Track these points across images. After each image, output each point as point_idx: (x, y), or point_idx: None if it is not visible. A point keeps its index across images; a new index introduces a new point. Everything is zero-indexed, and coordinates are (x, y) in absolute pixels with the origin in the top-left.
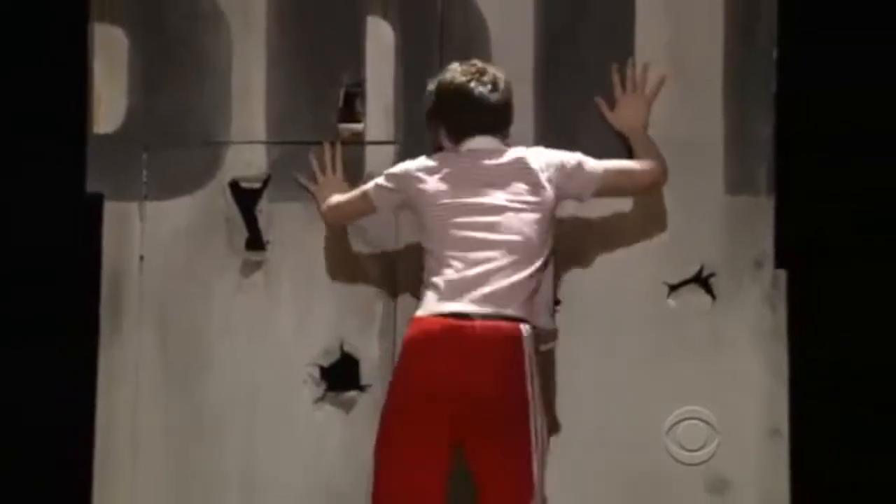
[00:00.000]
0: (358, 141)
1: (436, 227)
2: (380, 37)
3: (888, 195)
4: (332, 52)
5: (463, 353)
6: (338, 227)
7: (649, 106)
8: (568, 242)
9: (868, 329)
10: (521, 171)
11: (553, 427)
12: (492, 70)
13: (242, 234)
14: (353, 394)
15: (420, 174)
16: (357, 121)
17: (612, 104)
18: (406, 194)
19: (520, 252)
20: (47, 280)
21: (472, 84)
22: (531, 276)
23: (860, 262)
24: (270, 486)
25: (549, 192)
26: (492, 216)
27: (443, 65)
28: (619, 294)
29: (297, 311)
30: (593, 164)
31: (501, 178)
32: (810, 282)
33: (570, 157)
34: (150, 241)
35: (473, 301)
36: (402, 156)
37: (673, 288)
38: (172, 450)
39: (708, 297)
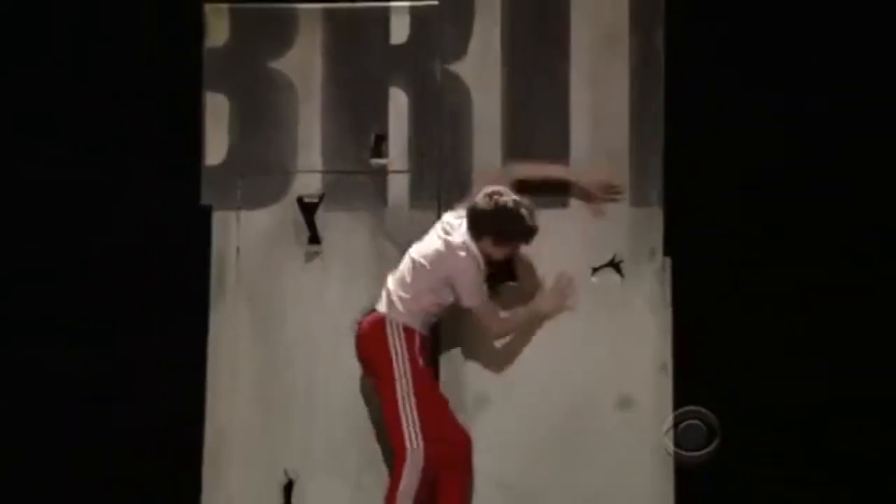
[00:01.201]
0: (383, 171)
1: None
2: (398, 100)
3: (743, 207)
4: (366, 109)
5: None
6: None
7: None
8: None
9: (728, 295)
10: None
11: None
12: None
13: (305, 233)
14: None
15: None
16: (383, 157)
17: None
18: None
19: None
20: (173, 265)
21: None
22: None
23: (723, 251)
24: (326, 403)
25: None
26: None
27: (441, 121)
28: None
29: (342, 286)
30: (468, 304)
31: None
32: (687, 266)
33: (463, 290)
34: (243, 238)
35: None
36: (414, 181)
37: (595, 269)
38: (260, 378)
39: (618, 276)
